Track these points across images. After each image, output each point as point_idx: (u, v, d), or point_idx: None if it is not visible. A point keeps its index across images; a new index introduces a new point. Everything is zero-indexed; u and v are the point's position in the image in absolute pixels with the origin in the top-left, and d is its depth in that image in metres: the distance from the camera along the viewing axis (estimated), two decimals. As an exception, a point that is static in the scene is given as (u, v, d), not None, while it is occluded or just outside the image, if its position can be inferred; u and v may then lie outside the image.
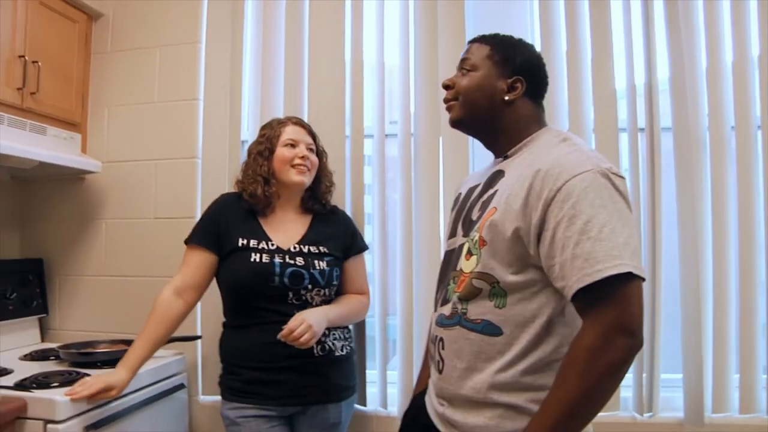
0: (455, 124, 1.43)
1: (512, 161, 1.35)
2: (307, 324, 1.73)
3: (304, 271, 1.85)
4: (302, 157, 1.91)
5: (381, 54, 2.29)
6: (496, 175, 1.36)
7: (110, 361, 1.96)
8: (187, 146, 2.41)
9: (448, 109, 1.43)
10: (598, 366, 1.09)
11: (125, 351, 1.83)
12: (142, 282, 2.40)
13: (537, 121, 1.40)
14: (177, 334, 1.90)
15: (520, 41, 1.43)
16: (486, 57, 1.39)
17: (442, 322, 1.35)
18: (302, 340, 1.71)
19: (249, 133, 2.36)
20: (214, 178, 2.36)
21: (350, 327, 2.05)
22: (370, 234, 2.35)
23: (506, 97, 1.36)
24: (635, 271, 1.11)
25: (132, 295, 2.40)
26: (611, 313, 1.10)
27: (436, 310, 1.41)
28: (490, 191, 1.33)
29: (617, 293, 1.10)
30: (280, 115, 2.27)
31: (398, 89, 2.30)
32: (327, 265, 1.90)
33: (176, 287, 1.85)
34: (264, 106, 2.35)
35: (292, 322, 1.74)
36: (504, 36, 1.44)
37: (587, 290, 1.12)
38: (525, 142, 1.36)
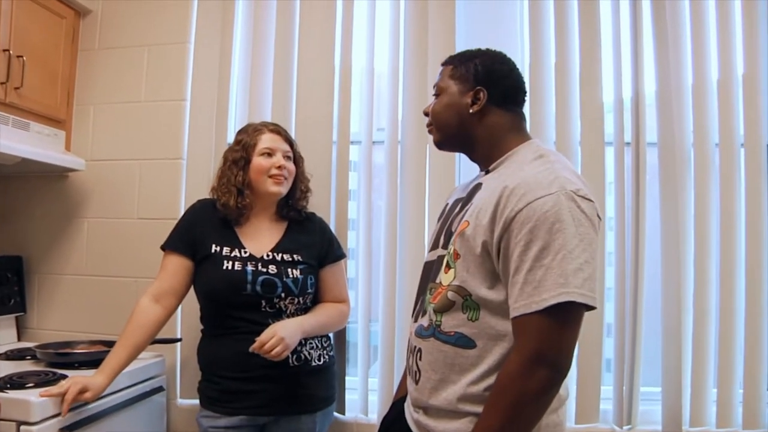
0: (438, 146, 1.45)
1: (491, 175, 1.35)
2: (279, 337, 1.71)
3: (276, 280, 1.83)
4: (279, 167, 1.88)
5: (371, 60, 2.27)
6: (475, 189, 1.36)
7: (88, 362, 1.93)
8: (173, 147, 2.37)
9: (430, 133, 1.46)
10: (517, 395, 1.12)
11: (104, 352, 1.81)
12: (124, 283, 2.36)
13: (514, 130, 1.37)
14: (157, 336, 1.87)
15: (479, 51, 1.42)
16: (449, 77, 1.40)
17: (420, 333, 1.35)
18: (273, 353, 1.69)
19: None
20: (198, 179, 2.33)
21: (330, 335, 2.03)
22: (354, 240, 2.34)
23: (471, 110, 1.35)
24: (580, 299, 1.12)
25: (113, 296, 2.36)
26: (535, 343, 1.12)
27: (416, 321, 1.40)
28: (468, 205, 1.33)
29: (547, 323, 1.12)
30: (268, 119, 2.25)
31: (387, 96, 2.29)
32: (301, 273, 1.87)
33: (154, 294, 1.84)
34: (251, 109, 2.32)
35: (264, 335, 1.71)
36: (465, 51, 1.44)
37: (525, 315, 1.14)
38: (506, 157, 1.35)
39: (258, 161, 1.88)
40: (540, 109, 2.17)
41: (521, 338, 1.15)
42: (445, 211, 1.49)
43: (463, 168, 2.23)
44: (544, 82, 2.18)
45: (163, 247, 1.90)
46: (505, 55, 1.42)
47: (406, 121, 2.26)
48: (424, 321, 1.34)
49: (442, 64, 1.46)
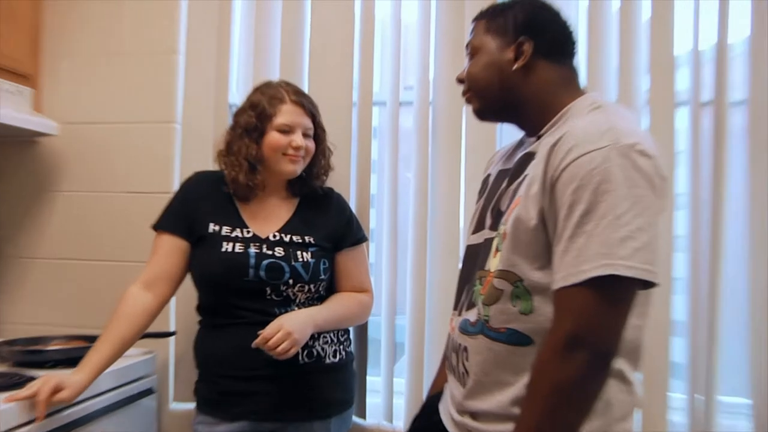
0: (479, 116, 1.40)
1: (543, 141, 1.27)
2: (286, 331, 1.64)
3: (283, 264, 1.77)
4: (297, 147, 1.80)
5: (397, 9, 2.17)
6: (527, 159, 1.29)
7: (65, 360, 1.87)
8: (165, 108, 2.27)
9: (468, 102, 1.41)
10: (553, 382, 1.09)
11: (84, 348, 1.74)
12: (108, 268, 2.29)
13: (567, 86, 1.32)
14: (147, 330, 1.81)
15: (515, 0, 1.37)
16: (484, 32, 1.35)
17: (466, 329, 1.30)
18: (279, 350, 1.63)
19: (239, 95, 2.25)
20: (196, 146, 2.24)
21: (348, 329, 1.98)
22: (376, 219, 2.29)
23: (515, 66, 1.29)
24: (626, 273, 1.06)
25: (94, 283, 2.29)
26: (572, 321, 1.09)
27: (460, 314, 1.35)
28: (520, 178, 1.27)
29: (587, 299, 1.08)
30: (277, 75, 2.18)
31: (416, 50, 2.19)
32: (312, 257, 1.82)
33: (144, 280, 1.79)
34: (257, 64, 2.23)
35: (268, 329, 1.65)
36: (497, 3, 1.39)
37: (564, 288, 1.11)
38: (558, 116, 1.28)
39: (274, 137, 1.80)
40: (599, 62, 2.02)
41: (558, 316, 1.12)
42: (488, 185, 1.44)
43: (506, 133, 2.10)
44: (604, 30, 2.02)
45: (155, 227, 1.84)
46: (546, 2, 1.37)
47: (438, 78, 2.15)
48: (470, 315, 1.30)
49: (474, 20, 1.40)
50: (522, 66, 1.29)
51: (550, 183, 1.15)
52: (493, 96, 1.34)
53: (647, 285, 1.10)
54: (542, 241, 1.18)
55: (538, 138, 1.30)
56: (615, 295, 1.09)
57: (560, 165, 1.13)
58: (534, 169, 1.22)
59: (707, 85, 1.96)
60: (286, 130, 1.80)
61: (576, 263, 1.09)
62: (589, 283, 1.07)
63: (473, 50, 1.36)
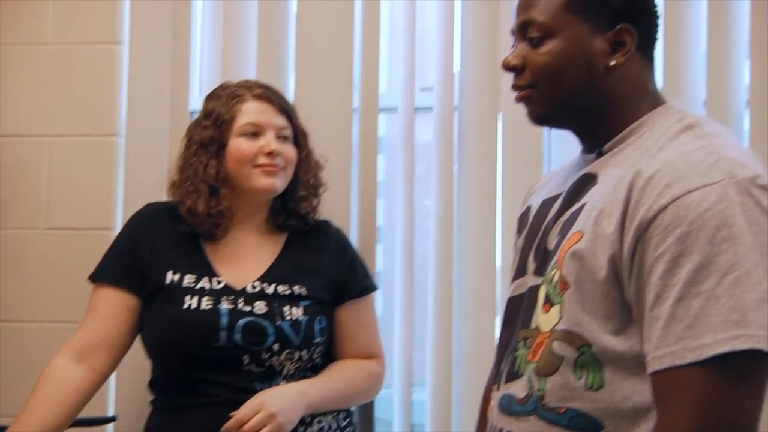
0: (539, 120, 1.33)
1: (609, 159, 1.25)
2: (268, 412, 1.60)
3: (266, 324, 1.73)
4: (270, 153, 1.75)
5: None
6: (585, 182, 1.25)
7: None
8: (103, 117, 2.17)
9: (522, 99, 1.31)
10: None
11: None
12: (22, 331, 2.16)
13: (651, 90, 1.28)
14: (79, 415, 1.70)
15: None
16: (563, 10, 1.27)
17: (511, 409, 1.24)
18: None
19: (202, 99, 2.09)
20: (145, 168, 2.14)
21: (351, 409, 1.90)
22: (384, 259, 2.32)
23: (613, 62, 1.24)
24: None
25: (5, 352, 2.14)
26: (687, 414, 1.04)
27: (498, 388, 1.29)
28: (575, 206, 1.23)
29: (712, 382, 1.03)
30: (252, 75, 2.10)
31: (436, 39, 2.13)
32: (305, 314, 1.76)
33: (76, 348, 1.70)
34: (226, 60, 2.16)
35: (244, 409, 1.61)
36: None
37: (674, 369, 1.05)
38: (630, 130, 1.25)
39: (238, 145, 1.75)
40: (681, 50, 1.94)
41: (671, 406, 1.05)
42: (529, 218, 1.39)
43: (556, 149, 2.07)
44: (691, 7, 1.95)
45: (92, 278, 1.77)
46: None
47: (465, 75, 2.09)
48: (516, 389, 1.25)
49: None
50: (620, 63, 1.24)
51: (640, 225, 1.09)
52: (571, 98, 1.26)
53: None
54: (614, 299, 1.14)
55: (599, 155, 1.25)
56: (749, 375, 1.04)
57: (656, 203, 1.08)
58: (601, 200, 1.17)
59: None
60: (254, 132, 1.75)
61: (692, 334, 1.03)
62: (715, 360, 1.02)
63: (543, 31, 1.25)
